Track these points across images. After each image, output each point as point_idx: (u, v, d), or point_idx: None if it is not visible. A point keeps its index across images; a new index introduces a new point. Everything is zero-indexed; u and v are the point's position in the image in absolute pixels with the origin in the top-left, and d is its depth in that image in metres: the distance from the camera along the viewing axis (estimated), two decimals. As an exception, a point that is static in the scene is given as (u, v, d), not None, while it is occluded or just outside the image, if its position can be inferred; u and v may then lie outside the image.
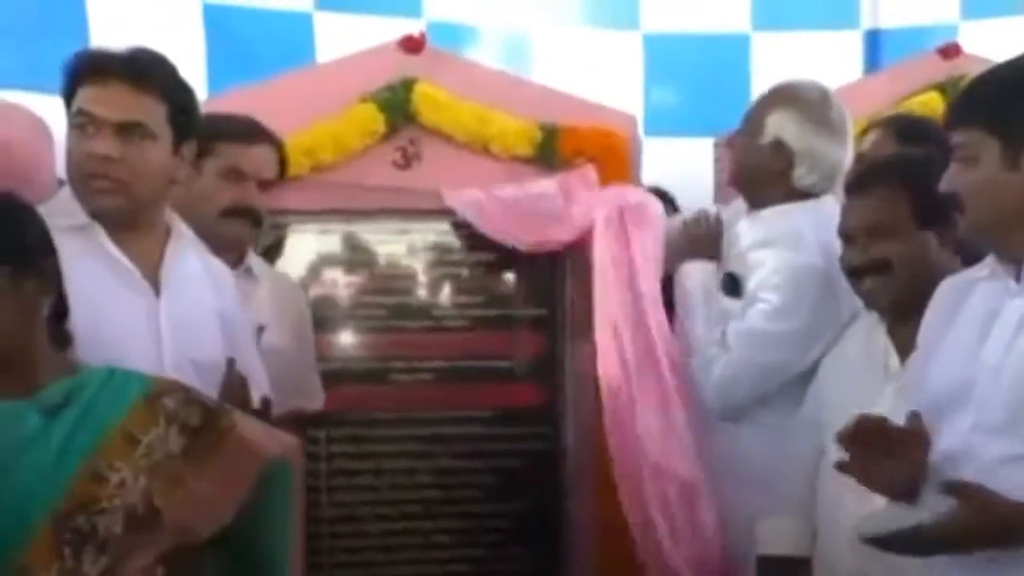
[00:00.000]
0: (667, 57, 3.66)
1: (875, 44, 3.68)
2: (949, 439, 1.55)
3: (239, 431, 1.52)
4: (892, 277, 1.98)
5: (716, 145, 3.23)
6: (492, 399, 2.71)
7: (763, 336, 2.28)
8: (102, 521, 1.42)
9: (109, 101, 1.77)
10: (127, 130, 1.77)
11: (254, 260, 2.44)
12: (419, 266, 2.87)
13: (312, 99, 2.75)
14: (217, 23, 3.15)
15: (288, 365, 2.37)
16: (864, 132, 2.59)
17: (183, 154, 1.88)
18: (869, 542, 1.56)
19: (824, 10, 3.71)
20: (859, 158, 2.50)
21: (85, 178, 1.78)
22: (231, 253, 2.34)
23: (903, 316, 1.96)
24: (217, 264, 2.08)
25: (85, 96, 1.79)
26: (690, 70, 3.65)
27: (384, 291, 2.85)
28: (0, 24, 2.83)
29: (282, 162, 2.42)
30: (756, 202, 2.43)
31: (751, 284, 2.34)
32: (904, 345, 1.94)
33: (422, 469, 2.81)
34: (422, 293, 2.87)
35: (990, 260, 1.66)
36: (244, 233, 2.33)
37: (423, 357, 2.83)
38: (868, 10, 3.70)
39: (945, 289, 1.73)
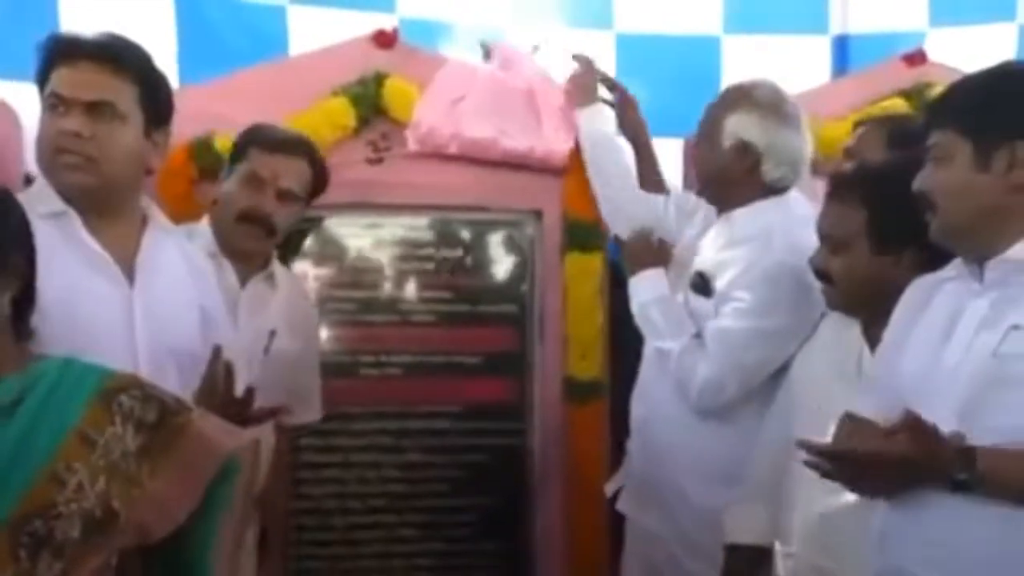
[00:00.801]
0: (639, 57, 3.67)
1: (843, 49, 3.71)
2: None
3: (196, 428, 1.49)
4: (835, 287, 2.00)
5: (686, 145, 3.27)
6: (460, 394, 2.72)
7: (741, 334, 2.30)
8: (59, 525, 1.39)
9: (80, 82, 1.78)
10: (97, 109, 1.78)
11: (278, 268, 2.45)
12: (389, 260, 2.88)
13: (283, 92, 2.75)
14: (189, 13, 3.11)
15: (293, 372, 2.40)
16: (855, 127, 2.62)
17: (155, 140, 1.88)
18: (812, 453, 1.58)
19: (794, 15, 3.74)
20: (845, 153, 2.54)
21: (55, 154, 1.78)
22: (246, 257, 2.37)
23: (870, 317, 1.96)
24: (199, 255, 2.07)
25: (57, 78, 1.79)
26: (662, 70, 3.66)
27: (353, 285, 2.85)
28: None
29: (317, 180, 2.43)
30: (726, 205, 2.45)
31: (722, 283, 2.36)
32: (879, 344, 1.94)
33: (389, 463, 2.82)
34: (391, 287, 2.88)
35: (958, 262, 1.69)
36: (254, 241, 2.35)
37: (392, 351, 2.84)
38: (838, 16, 3.73)
39: (913, 289, 1.76)
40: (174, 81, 3.06)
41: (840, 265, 1.97)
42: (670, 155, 3.27)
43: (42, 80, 1.82)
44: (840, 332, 2.09)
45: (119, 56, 1.81)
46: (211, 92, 2.68)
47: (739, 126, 2.40)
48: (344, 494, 2.79)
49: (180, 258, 1.96)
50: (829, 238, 1.99)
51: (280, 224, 2.36)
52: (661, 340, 2.41)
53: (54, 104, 1.79)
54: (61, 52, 1.80)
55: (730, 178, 2.41)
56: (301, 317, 2.52)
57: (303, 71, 2.86)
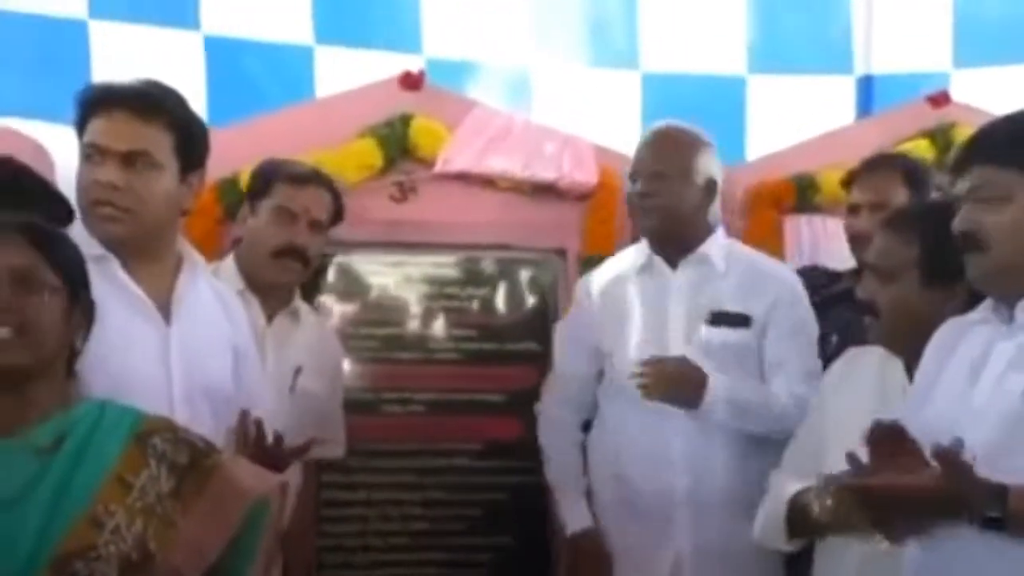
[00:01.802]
0: (665, 96, 3.69)
1: (868, 90, 3.72)
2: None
3: (226, 470, 1.51)
4: (880, 320, 1.97)
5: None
6: (482, 432, 2.73)
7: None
8: (98, 568, 1.41)
9: (115, 132, 1.80)
10: (132, 159, 1.80)
11: (301, 304, 2.48)
12: (413, 298, 2.90)
13: (311, 133, 2.79)
14: (218, 55, 3.18)
15: (318, 410, 2.44)
16: (855, 175, 2.61)
17: (191, 182, 1.90)
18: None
19: (819, 55, 3.75)
20: (852, 209, 2.54)
21: (92, 205, 1.80)
22: (280, 293, 2.41)
23: (911, 354, 1.91)
24: (229, 293, 2.10)
25: (93, 128, 1.82)
26: (687, 110, 3.66)
27: (378, 322, 2.87)
28: (5, 53, 2.87)
29: (337, 206, 2.47)
30: (681, 245, 2.49)
31: (759, 310, 2.43)
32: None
33: (411, 501, 2.82)
34: (415, 325, 2.90)
35: (987, 304, 1.67)
36: (291, 274, 2.40)
37: (415, 389, 2.86)
38: (862, 56, 3.74)
39: (943, 331, 1.74)
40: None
41: (888, 297, 1.95)
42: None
43: (80, 129, 1.85)
44: (883, 369, 2.06)
45: (154, 105, 1.83)
46: (239, 134, 2.72)
47: (707, 164, 2.47)
48: (366, 532, 2.79)
49: (213, 297, 1.98)
50: (877, 269, 1.96)
51: (313, 255, 2.41)
52: (770, 410, 2.37)
53: (90, 154, 1.81)
54: (96, 102, 1.82)
55: (696, 217, 2.46)
56: (327, 354, 2.55)
57: (331, 112, 2.91)
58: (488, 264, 2.94)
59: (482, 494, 2.73)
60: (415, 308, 2.90)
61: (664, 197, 2.45)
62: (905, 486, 1.51)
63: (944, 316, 1.83)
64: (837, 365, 2.18)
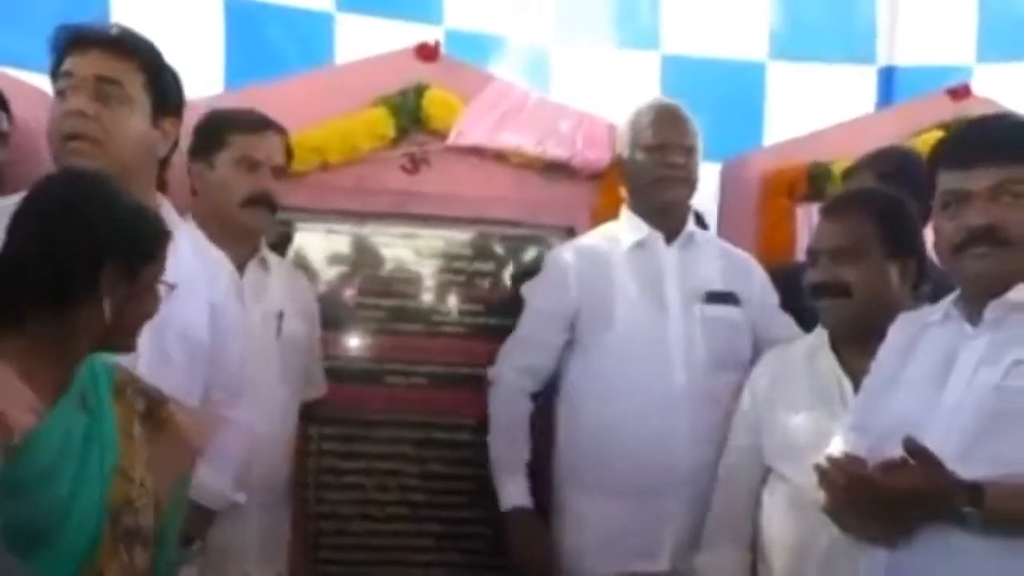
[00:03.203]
0: (684, 79, 3.68)
1: (889, 80, 3.70)
2: None
3: (176, 422, 1.55)
4: (850, 300, 2.02)
5: (724, 169, 3.26)
6: (483, 407, 2.71)
7: None
8: (140, 518, 1.46)
9: (87, 62, 1.83)
10: (103, 88, 1.82)
11: (267, 252, 2.52)
12: (420, 270, 2.90)
13: (326, 99, 2.79)
14: (238, 19, 3.18)
15: (300, 353, 2.52)
16: (848, 173, 2.61)
17: (164, 128, 1.92)
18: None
19: (842, 44, 3.73)
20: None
21: (63, 140, 1.81)
22: (249, 242, 2.45)
23: (855, 341, 2.00)
24: (213, 254, 2.12)
25: (65, 63, 1.85)
26: (706, 94, 3.66)
27: (385, 293, 2.87)
28: (25, 10, 2.88)
29: (288, 151, 2.51)
30: (680, 223, 2.56)
31: (747, 290, 2.51)
32: (856, 371, 1.97)
33: (410, 472, 2.83)
34: (422, 297, 2.90)
35: (945, 304, 1.70)
36: (263, 220, 2.44)
37: (419, 361, 2.86)
38: (885, 47, 3.71)
39: (898, 328, 1.77)
40: (220, 85, 3.15)
41: (860, 275, 2.01)
42: (708, 180, 3.26)
43: (54, 74, 1.87)
44: (813, 360, 2.11)
45: (127, 43, 1.86)
46: (255, 96, 2.71)
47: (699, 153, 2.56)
48: (364, 500, 2.80)
49: (192, 254, 2.01)
50: (843, 249, 2.02)
51: (278, 200, 2.45)
52: None
53: (62, 88, 1.83)
54: (70, 41, 1.85)
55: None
56: (303, 297, 2.61)
57: (346, 80, 2.89)
58: (497, 239, 2.93)
59: (481, 468, 2.70)
60: (422, 280, 2.90)
61: (692, 171, 2.54)
62: (885, 486, 1.52)
63: (904, 292, 1.97)
64: (761, 366, 2.22)
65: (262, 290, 2.46)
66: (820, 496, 1.62)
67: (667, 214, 2.55)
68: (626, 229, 2.58)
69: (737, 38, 3.77)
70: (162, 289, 1.55)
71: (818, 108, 3.55)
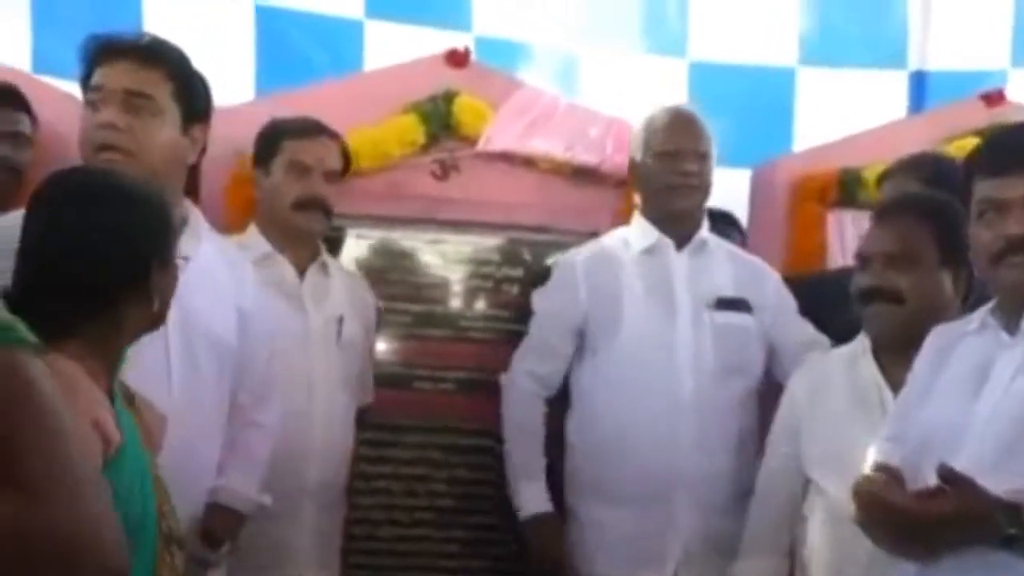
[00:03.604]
0: (712, 86, 3.66)
1: (921, 86, 3.66)
2: (932, 478, 1.54)
3: (143, 415, 1.52)
4: (901, 308, 1.98)
5: (754, 175, 3.25)
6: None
7: None
8: (172, 521, 1.47)
9: (116, 75, 1.84)
10: (133, 102, 1.83)
11: (327, 257, 2.55)
12: (449, 276, 2.91)
13: (356, 106, 2.80)
14: (268, 25, 3.21)
15: (357, 358, 2.54)
16: (885, 177, 2.59)
17: (194, 136, 1.93)
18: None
19: (873, 49, 3.70)
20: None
21: (95, 151, 1.83)
22: (307, 246, 2.47)
23: (900, 350, 1.94)
24: (237, 257, 2.13)
25: (96, 75, 1.86)
26: (734, 100, 3.65)
27: (413, 299, 2.88)
28: (58, 16, 2.91)
29: (344, 155, 2.53)
30: (691, 229, 2.55)
31: (760, 297, 2.50)
32: (898, 381, 1.92)
33: (438, 478, 2.83)
34: (451, 303, 2.90)
35: (980, 313, 1.67)
36: (316, 224, 2.46)
37: (447, 367, 2.86)
38: (917, 51, 3.68)
39: (934, 338, 1.74)
40: (251, 92, 3.17)
41: (913, 281, 1.96)
42: (738, 186, 3.25)
43: (85, 84, 1.88)
44: (853, 369, 2.07)
45: (154, 52, 1.87)
46: (285, 103, 2.73)
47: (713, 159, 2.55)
48: (392, 506, 2.80)
49: (220, 258, 2.03)
50: (893, 255, 1.98)
51: (332, 205, 2.47)
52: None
53: (93, 100, 1.85)
54: (99, 52, 1.86)
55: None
56: (363, 302, 2.63)
57: (376, 86, 2.91)
58: (525, 245, 2.92)
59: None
60: (450, 286, 2.90)
61: (705, 178, 2.52)
62: (921, 514, 1.50)
63: (955, 301, 1.92)
64: (800, 374, 2.19)
65: (323, 295, 2.49)
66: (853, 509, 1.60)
67: (679, 221, 2.54)
68: (637, 234, 2.58)
69: (766, 43, 3.75)
70: (180, 264, 1.54)
71: (849, 114, 3.53)
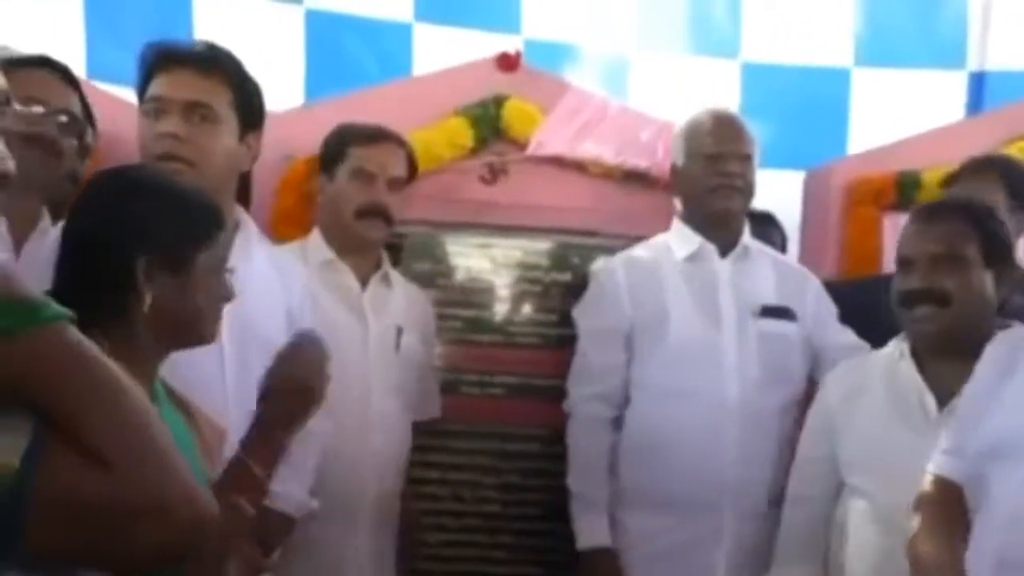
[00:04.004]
0: (765, 87, 3.62)
1: (980, 86, 3.58)
2: (1002, 487, 1.52)
3: (200, 427, 1.52)
4: (949, 309, 1.95)
5: (807, 178, 3.20)
6: (559, 418, 2.69)
7: None
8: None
9: (176, 84, 1.85)
10: (192, 111, 1.84)
11: (390, 268, 2.54)
12: (498, 281, 2.89)
13: (405, 110, 2.79)
14: (318, 30, 3.22)
15: (416, 370, 2.53)
16: (954, 177, 2.53)
17: (249, 143, 1.94)
18: None
19: (930, 48, 3.63)
20: None
21: (155, 160, 1.84)
22: (370, 255, 2.47)
23: (943, 353, 1.95)
24: (287, 261, 2.14)
25: (154, 84, 1.87)
26: (788, 102, 3.61)
27: (461, 303, 2.87)
28: (112, 23, 2.95)
29: (411, 161, 2.52)
30: (735, 235, 2.53)
31: (803, 305, 2.47)
32: (940, 386, 1.93)
33: (486, 483, 2.82)
34: (499, 308, 2.89)
35: None
36: (376, 232, 2.45)
37: (495, 371, 2.85)
38: (976, 51, 3.60)
39: (997, 346, 1.71)
40: (301, 97, 3.19)
41: (958, 283, 1.94)
42: (791, 189, 3.21)
43: (142, 91, 1.89)
44: (892, 372, 2.05)
45: (213, 61, 1.88)
46: (335, 109, 2.74)
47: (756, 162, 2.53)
48: (439, 511, 2.80)
49: (269, 264, 2.04)
50: (939, 256, 1.96)
51: (395, 214, 2.46)
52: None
53: (152, 110, 1.86)
54: (157, 60, 1.87)
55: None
56: (423, 314, 2.62)
57: (426, 91, 2.90)
58: (574, 250, 2.90)
59: (557, 480, 2.68)
60: (499, 291, 2.89)
61: (749, 180, 2.49)
62: None
63: (996, 304, 1.93)
64: (835, 378, 2.15)
65: (383, 305, 2.47)
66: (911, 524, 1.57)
67: (721, 224, 2.51)
68: (678, 241, 2.54)
69: (820, 44, 3.69)
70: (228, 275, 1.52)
71: (905, 115, 3.47)
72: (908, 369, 2.02)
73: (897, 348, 2.07)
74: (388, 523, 2.50)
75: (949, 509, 1.61)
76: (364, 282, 2.46)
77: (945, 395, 1.93)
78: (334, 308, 2.36)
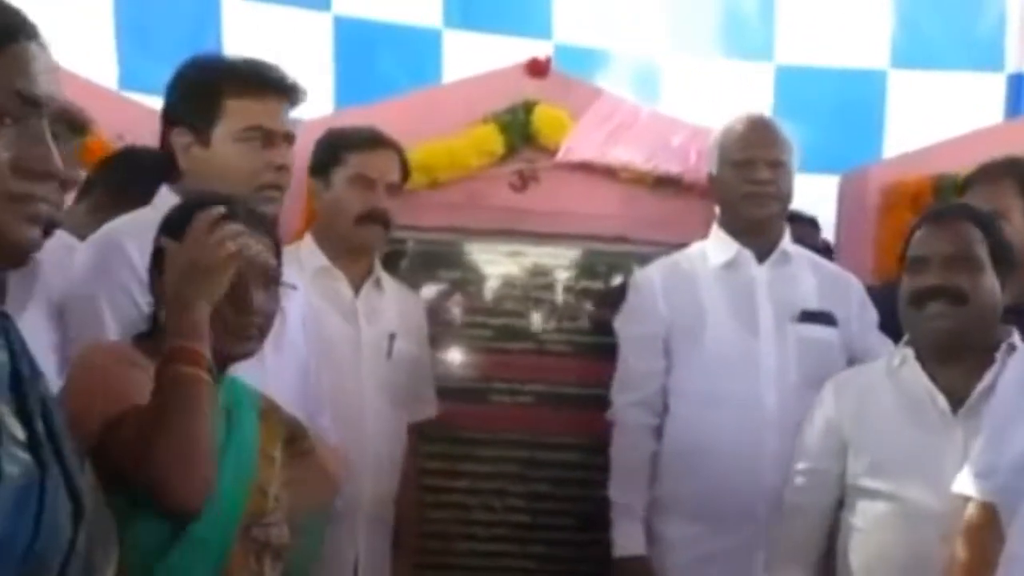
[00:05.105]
0: (799, 90, 3.59)
1: (1019, 88, 3.53)
2: None
3: (319, 455, 1.58)
4: (964, 308, 1.96)
5: (842, 182, 3.16)
6: (591, 427, 2.67)
7: None
8: (273, 531, 1.49)
9: (277, 115, 1.86)
10: (289, 142, 1.89)
11: (382, 272, 2.53)
12: (528, 289, 2.87)
13: (435, 117, 2.79)
14: (347, 36, 3.22)
15: (410, 373, 2.52)
16: (969, 183, 2.47)
17: None
18: None
19: (968, 50, 3.57)
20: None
21: (261, 188, 1.84)
22: (364, 260, 2.46)
23: (951, 354, 1.98)
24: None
25: (251, 109, 1.84)
26: (822, 105, 3.57)
27: (491, 311, 2.86)
28: (142, 32, 2.97)
29: (403, 167, 2.50)
30: (773, 241, 2.50)
31: (843, 311, 2.44)
32: (950, 387, 1.96)
33: (515, 492, 2.80)
34: (529, 315, 2.87)
35: None
36: (377, 237, 2.45)
37: (524, 380, 2.83)
38: (1014, 52, 3.55)
39: (1018, 361, 1.73)
40: (330, 103, 3.19)
41: (974, 282, 1.96)
42: (826, 193, 3.17)
43: (210, 104, 1.84)
44: (897, 376, 2.05)
45: (296, 90, 1.89)
46: (365, 116, 2.72)
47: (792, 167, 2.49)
48: (468, 520, 2.78)
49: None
50: (953, 256, 1.98)
51: (393, 219, 2.45)
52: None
53: (254, 137, 1.84)
54: (247, 83, 1.85)
55: (787, 210, 2.55)
56: (415, 317, 2.61)
57: (456, 97, 2.89)
58: (605, 257, 2.88)
59: (587, 490, 2.68)
60: (529, 298, 2.87)
61: (784, 186, 2.46)
62: None
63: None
64: (836, 389, 2.16)
65: (376, 311, 2.47)
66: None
67: (758, 231, 2.49)
68: (715, 248, 2.52)
69: (856, 46, 3.65)
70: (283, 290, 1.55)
71: (942, 118, 3.42)
72: (914, 373, 2.02)
73: (898, 355, 2.07)
74: (384, 525, 2.50)
75: (994, 545, 1.59)
76: (357, 288, 2.46)
77: (955, 396, 1.96)
78: (328, 316, 2.36)
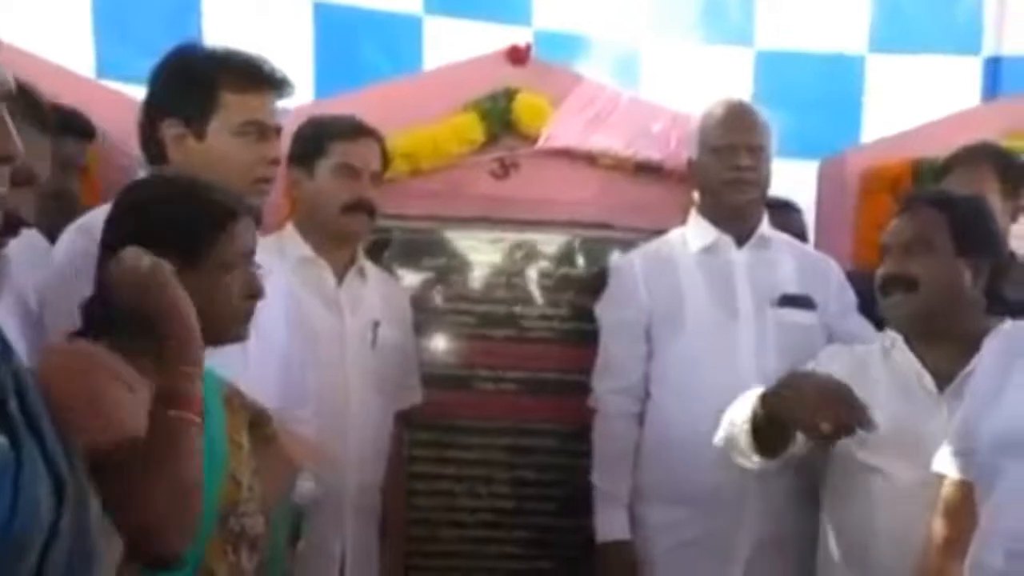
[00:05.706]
0: (779, 75, 3.59)
1: (996, 72, 3.54)
2: (1011, 480, 1.53)
3: (280, 441, 1.57)
4: (916, 295, 1.99)
5: (822, 167, 3.17)
6: (575, 413, 2.69)
7: None
8: (247, 522, 1.49)
9: (269, 109, 1.88)
10: (278, 136, 1.91)
11: (365, 261, 2.53)
12: (510, 276, 2.88)
13: (415, 105, 2.79)
14: (327, 23, 3.20)
15: (395, 361, 2.53)
16: (946, 168, 2.50)
17: None
18: None
19: (945, 34, 3.58)
20: None
21: (255, 182, 1.85)
22: (348, 249, 2.47)
23: (926, 338, 2.01)
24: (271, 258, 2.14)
25: (249, 105, 1.85)
26: (802, 90, 3.57)
27: (474, 299, 2.86)
28: (119, 21, 2.94)
29: (384, 155, 2.51)
30: (751, 225, 2.51)
31: (821, 294, 2.46)
32: (937, 368, 1.99)
33: (500, 479, 2.81)
34: (511, 303, 2.88)
35: None
36: (363, 226, 2.45)
37: (508, 367, 2.84)
38: (992, 36, 3.56)
39: (1005, 336, 1.73)
40: (310, 92, 3.17)
41: (927, 267, 1.99)
42: (806, 178, 3.18)
43: (203, 96, 1.84)
44: (888, 358, 2.09)
45: (287, 84, 1.91)
46: (345, 104, 2.72)
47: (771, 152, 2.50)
48: (454, 507, 2.79)
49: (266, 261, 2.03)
50: (910, 242, 2.01)
51: (377, 207, 2.47)
52: None
53: (248, 131, 1.85)
54: (244, 77, 1.85)
55: (766, 195, 2.55)
56: (399, 305, 2.62)
57: (435, 85, 2.89)
58: (587, 243, 2.89)
59: (571, 475, 2.69)
60: (511, 285, 2.87)
61: (763, 172, 2.48)
62: None
63: (968, 291, 1.97)
64: (827, 358, 2.18)
65: (359, 300, 2.48)
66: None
67: (738, 217, 2.50)
68: (695, 233, 2.54)
69: (834, 30, 3.66)
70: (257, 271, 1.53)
71: (920, 102, 3.43)
72: (903, 355, 2.06)
73: (887, 338, 2.11)
74: (371, 514, 2.51)
75: (971, 523, 1.62)
76: (340, 277, 2.46)
77: (941, 377, 2.00)
78: (311, 305, 2.36)
